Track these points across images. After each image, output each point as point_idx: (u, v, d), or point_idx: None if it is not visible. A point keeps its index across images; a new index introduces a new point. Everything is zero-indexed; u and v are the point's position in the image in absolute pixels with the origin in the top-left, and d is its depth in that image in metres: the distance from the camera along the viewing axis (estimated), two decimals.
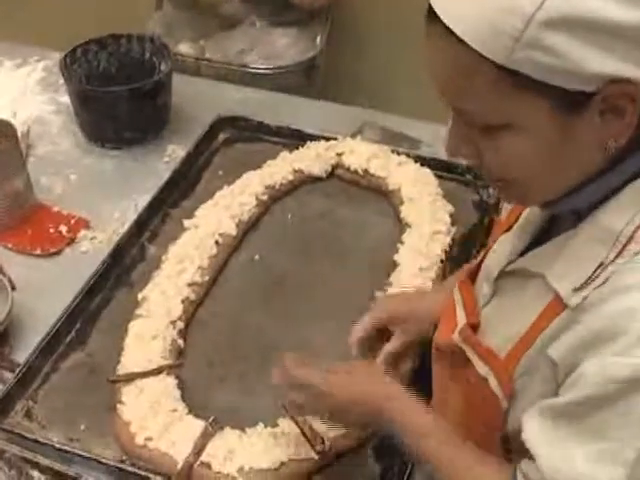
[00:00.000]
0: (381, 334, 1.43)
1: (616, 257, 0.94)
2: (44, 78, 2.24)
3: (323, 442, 1.32)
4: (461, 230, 1.73)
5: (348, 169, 1.87)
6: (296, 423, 1.34)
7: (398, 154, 1.88)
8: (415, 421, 1.16)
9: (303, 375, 1.25)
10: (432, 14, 0.93)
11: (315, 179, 1.88)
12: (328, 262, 1.68)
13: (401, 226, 1.73)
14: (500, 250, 1.15)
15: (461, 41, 0.89)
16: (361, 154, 1.87)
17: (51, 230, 1.76)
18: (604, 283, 0.93)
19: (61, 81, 2.04)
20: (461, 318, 1.17)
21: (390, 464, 1.35)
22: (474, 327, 1.14)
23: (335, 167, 1.89)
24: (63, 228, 1.76)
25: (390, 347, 1.42)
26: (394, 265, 1.62)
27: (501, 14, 0.86)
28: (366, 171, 1.85)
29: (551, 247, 1.04)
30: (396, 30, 3.20)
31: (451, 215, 1.74)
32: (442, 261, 1.64)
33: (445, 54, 0.93)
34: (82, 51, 2.04)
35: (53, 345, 1.51)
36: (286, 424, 1.35)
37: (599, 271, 0.94)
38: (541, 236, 1.09)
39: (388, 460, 1.35)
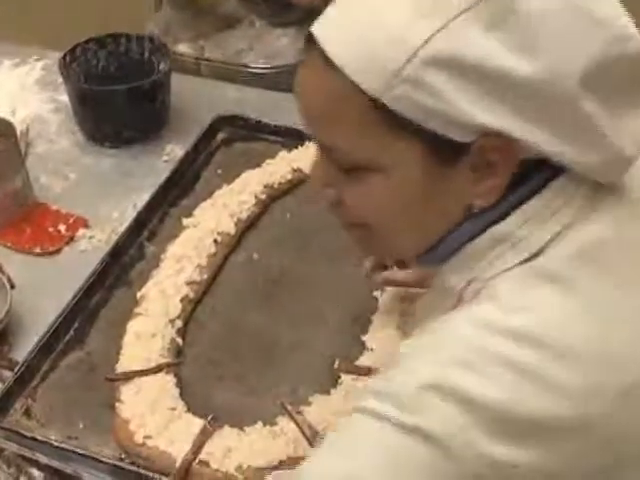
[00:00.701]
0: None
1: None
2: (43, 77, 2.24)
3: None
4: None
5: None
6: (295, 422, 1.34)
7: None
8: None
9: None
10: (311, 40, 0.90)
11: None
12: (327, 261, 1.68)
13: None
14: None
15: (338, 71, 0.85)
16: None
17: (50, 229, 1.76)
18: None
19: (60, 80, 2.03)
20: None
21: None
22: None
23: None
24: (62, 227, 1.76)
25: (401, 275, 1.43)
26: None
27: (385, 46, 0.83)
28: None
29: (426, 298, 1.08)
30: None
31: None
32: None
33: (320, 82, 0.88)
34: (81, 50, 2.04)
35: (52, 343, 1.50)
36: (285, 422, 1.35)
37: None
38: None
39: None
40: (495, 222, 0.92)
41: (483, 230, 0.93)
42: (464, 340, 0.88)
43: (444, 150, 0.87)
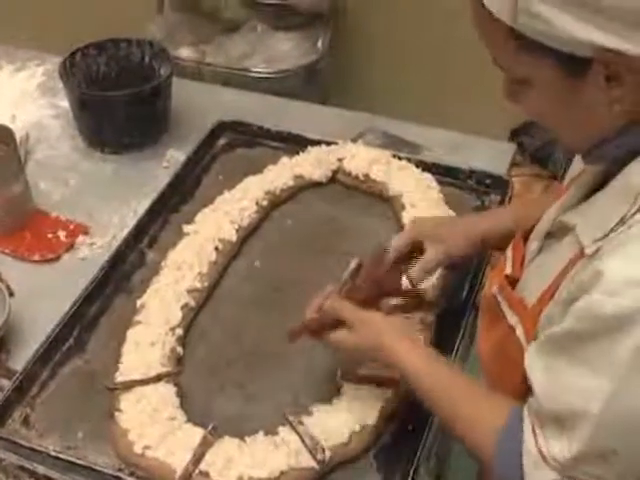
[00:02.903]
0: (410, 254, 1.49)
1: (636, 212, 0.99)
2: (43, 82, 2.23)
3: (323, 451, 1.30)
4: None
5: (349, 174, 1.86)
6: (296, 432, 1.33)
7: (399, 159, 1.86)
8: (408, 357, 1.24)
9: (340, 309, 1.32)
10: None
11: (316, 184, 1.87)
12: (328, 268, 1.66)
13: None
14: (552, 211, 1.21)
15: (483, 5, 1.01)
16: (362, 159, 1.85)
17: (49, 236, 1.75)
18: (618, 235, 1.00)
19: (60, 85, 2.02)
20: (506, 272, 1.25)
21: (391, 473, 1.34)
22: (514, 281, 1.22)
23: (336, 172, 1.88)
24: (61, 234, 1.75)
25: (423, 262, 1.47)
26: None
27: None
28: (367, 176, 1.83)
29: (589, 203, 1.11)
30: (398, 35, 3.20)
31: None
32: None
33: (476, 14, 1.04)
34: (81, 55, 2.03)
35: (51, 352, 1.49)
36: (286, 432, 1.34)
37: (619, 225, 1.00)
38: (591, 195, 1.13)
39: (389, 469, 1.34)
40: None
41: None
42: None
43: (572, 64, 0.98)
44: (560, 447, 1.01)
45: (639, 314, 0.92)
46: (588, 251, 1.03)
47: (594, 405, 0.97)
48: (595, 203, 1.09)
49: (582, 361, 0.99)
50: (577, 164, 1.24)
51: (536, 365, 1.06)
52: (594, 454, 0.99)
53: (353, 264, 1.37)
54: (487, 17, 1.01)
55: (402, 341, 1.26)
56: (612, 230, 1.01)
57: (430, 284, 1.54)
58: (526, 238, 1.26)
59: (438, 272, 1.58)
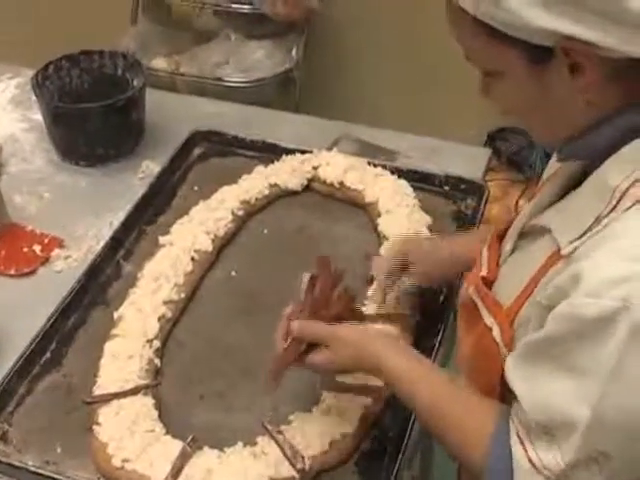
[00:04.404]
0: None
1: (610, 211, 0.99)
2: (16, 96, 2.22)
3: (303, 460, 1.30)
4: None
5: (324, 182, 1.86)
6: (276, 442, 1.32)
7: (374, 166, 1.87)
8: (397, 363, 1.22)
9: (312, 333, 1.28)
10: None
11: (291, 193, 1.86)
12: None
13: (379, 239, 1.72)
14: (526, 211, 1.21)
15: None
16: (337, 167, 1.85)
17: (25, 250, 1.74)
18: (595, 235, 0.99)
19: (33, 98, 2.02)
20: (482, 274, 1.25)
21: None
22: (489, 282, 1.21)
23: (311, 180, 1.88)
24: (37, 247, 1.74)
25: (408, 284, 1.53)
26: (372, 278, 1.60)
27: None
28: (342, 184, 1.83)
29: (564, 203, 1.11)
30: (373, 43, 3.21)
31: (429, 227, 1.73)
32: None
33: (446, 8, 1.05)
34: (54, 68, 2.02)
35: (28, 366, 1.48)
36: (266, 442, 1.34)
37: (594, 224, 1.00)
38: (565, 195, 1.14)
39: (371, 476, 1.34)
40: None
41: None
42: None
43: (536, 53, 0.99)
44: (552, 456, 1.00)
45: (622, 313, 0.92)
46: (564, 252, 1.03)
47: (582, 411, 0.96)
48: (571, 202, 1.09)
49: (566, 366, 0.98)
50: (553, 166, 1.25)
51: (516, 375, 1.06)
52: (587, 459, 0.98)
53: (305, 278, 1.31)
54: (455, 9, 1.02)
55: (386, 349, 1.24)
56: (588, 230, 1.01)
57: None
58: (501, 238, 1.26)
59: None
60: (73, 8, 3.31)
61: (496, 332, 1.14)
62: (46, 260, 1.73)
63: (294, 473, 1.30)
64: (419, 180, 1.85)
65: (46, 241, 1.76)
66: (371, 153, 1.96)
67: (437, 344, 1.49)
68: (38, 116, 2.05)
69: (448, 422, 1.16)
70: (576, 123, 1.06)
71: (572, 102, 1.03)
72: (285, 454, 1.31)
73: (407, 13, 3.06)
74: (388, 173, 1.84)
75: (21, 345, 1.49)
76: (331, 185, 1.85)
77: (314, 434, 1.34)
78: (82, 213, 1.84)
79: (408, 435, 1.36)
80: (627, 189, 0.99)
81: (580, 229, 1.02)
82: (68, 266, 1.71)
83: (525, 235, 1.19)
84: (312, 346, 1.27)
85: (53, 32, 3.14)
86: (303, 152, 1.91)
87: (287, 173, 1.86)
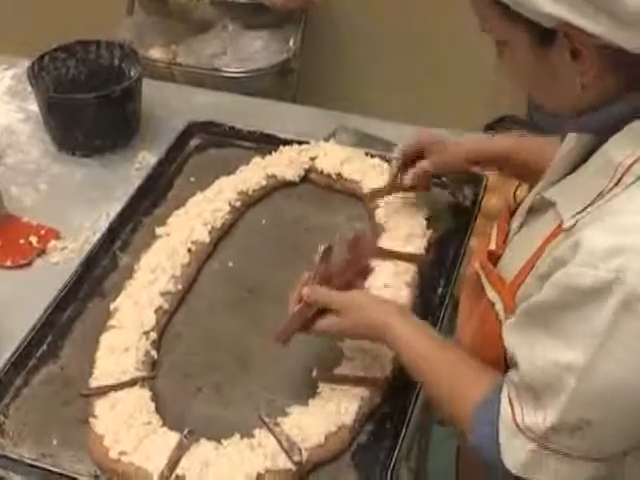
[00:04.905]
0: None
1: (613, 187, 1.01)
2: (12, 86, 2.21)
3: (300, 452, 1.30)
4: (437, 233, 1.71)
5: (322, 173, 1.85)
6: (272, 434, 1.32)
7: (372, 157, 1.86)
8: (405, 331, 1.26)
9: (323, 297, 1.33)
10: None
11: (289, 184, 1.86)
12: (303, 268, 1.65)
13: (376, 230, 1.71)
14: (539, 186, 1.23)
15: None
16: (334, 157, 1.85)
17: (21, 241, 1.73)
18: (596, 209, 1.02)
19: (29, 89, 2.01)
20: (489, 248, 1.27)
21: (370, 472, 1.33)
22: (496, 257, 1.24)
23: (308, 171, 1.87)
24: (33, 239, 1.73)
25: (424, 164, 1.62)
26: (369, 269, 1.60)
27: None
28: (340, 175, 1.83)
29: (570, 178, 1.13)
30: (371, 33, 3.20)
31: (427, 218, 1.72)
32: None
33: None
34: (50, 58, 2.02)
35: (25, 358, 1.48)
36: (262, 434, 1.33)
37: (598, 199, 1.02)
38: (575, 170, 1.15)
39: (368, 469, 1.34)
40: None
41: None
42: None
43: (544, 35, 1.02)
44: (535, 418, 1.03)
45: (615, 285, 0.94)
46: (566, 225, 1.05)
47: (569, 377, 0.98)
48: (577, 178, 1.11)
49: (558, 332, 1.00)
50: (569, 142, 1.25)
51: (513, 338, 1.09)
52: (569, 425, 1.01)
53: (322, 248, 1.37)
54: None
55: (393, 317, 1.28)
56: (591, 204, 1.03)
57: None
58: (512, 214, 1.28)
59: (413, 270, 1.59)
60: None
61: (499, 307, 1.16)
62: (42, 252, 1.72)
63: (291, 465, 1.29)
64: None
65: (42, 232, 1.75)
66: (369, 144, 1.95)
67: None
68: (34, 107, 2.04)
69: (455, 392, 1.19)
70: (577, 102, 1.08)
71: (572, 83, 1.05)
72: (282, 446, 1.30)
73: (405, 3, 3.05)
74: (386, 164, 1.83)
75: (17, 337, 1.49)
76: (329, 176, 1.84)
77: (311, 426, 1.33)
78: (78, 204, 1.83)
79: (405, 427, 1.36)
80: (630, 165, 1.01)
81: (583, 203, 1.04)
82: (64, 258, 1.71)
83: (533, 211, 1.21)
84: (321, 312, 1.34)
85: (49, 23, 3.13)
86: (300, 143, 1.90)
87: (284, 164, 1.85)
